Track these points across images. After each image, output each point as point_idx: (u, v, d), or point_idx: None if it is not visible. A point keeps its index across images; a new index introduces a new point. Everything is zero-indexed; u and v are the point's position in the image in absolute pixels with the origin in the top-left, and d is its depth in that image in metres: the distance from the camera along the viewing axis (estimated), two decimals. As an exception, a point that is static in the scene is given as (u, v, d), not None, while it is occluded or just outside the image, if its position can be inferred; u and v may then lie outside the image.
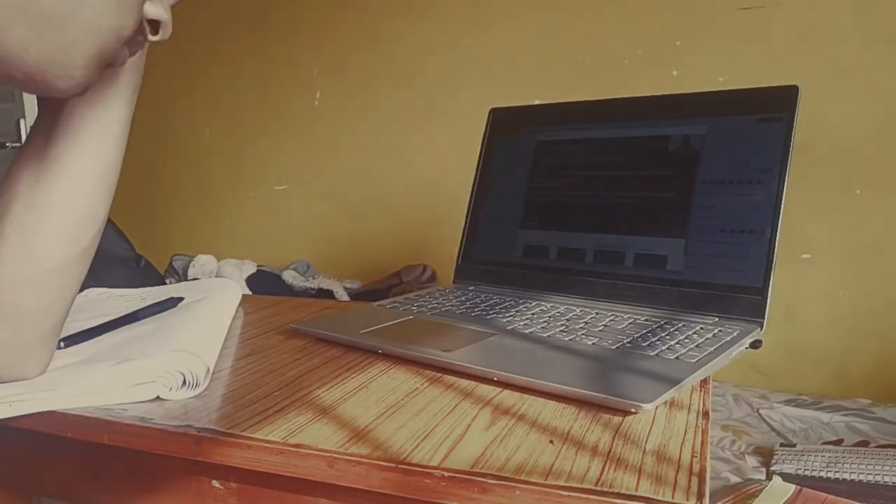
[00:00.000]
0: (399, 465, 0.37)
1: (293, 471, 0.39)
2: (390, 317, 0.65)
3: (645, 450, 0.38)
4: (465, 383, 0.50)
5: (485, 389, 0.48)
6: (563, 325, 0.60)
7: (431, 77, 1.97)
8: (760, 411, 1.40)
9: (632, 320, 0.61)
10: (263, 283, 1.77)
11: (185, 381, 0.47)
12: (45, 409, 0.44)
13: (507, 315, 0.64)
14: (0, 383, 0.48)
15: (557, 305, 0.67)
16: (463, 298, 0.71)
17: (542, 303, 0.68)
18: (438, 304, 0.69)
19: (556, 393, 0.46)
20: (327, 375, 0.52)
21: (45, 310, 0.48)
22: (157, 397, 0.46)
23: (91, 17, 0.37)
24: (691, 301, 0.62)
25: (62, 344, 0.59)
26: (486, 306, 0.67)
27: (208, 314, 0.64)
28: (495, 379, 0.49)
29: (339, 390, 0.48)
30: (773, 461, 1.15)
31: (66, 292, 0.49)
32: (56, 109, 0.47)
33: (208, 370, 0.49)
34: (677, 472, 0.35)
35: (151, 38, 0.42)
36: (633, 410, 0.42)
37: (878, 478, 1.06)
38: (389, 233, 2.08)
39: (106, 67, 0.41)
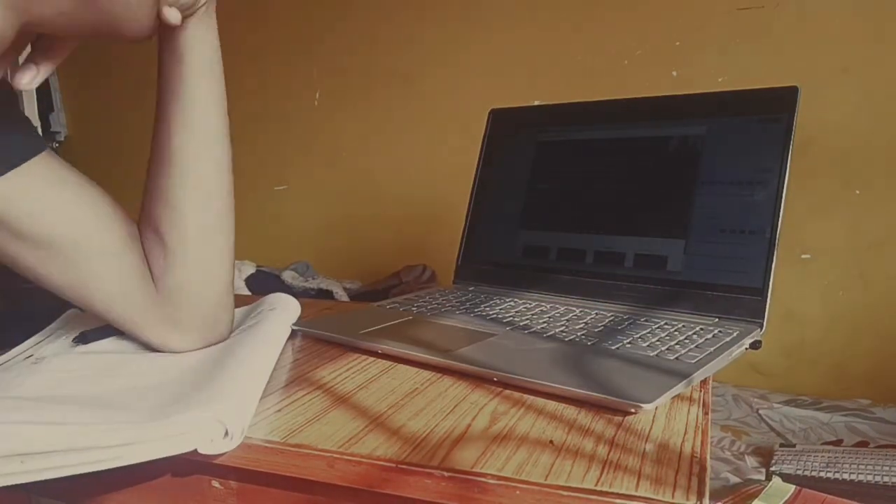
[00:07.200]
0: (399, 465, 0.37)
1: (293, 471, 0.39)
2: (390, 317, 0.65)
3: (645, 450, 0.38)
4: (465, 383, 0.50)
5: (485, 389, 0.48)
6: (562, 325, 0.60)
7: (431, 78, 1.97)
8: (760, 411, 1.41)
9: (632, 320, 0.61)
10: (263, 284, 1.77)
11: (226, 433, 0.40)
12: (76, 472, 0.38)
13: (506, 315, 0.64)
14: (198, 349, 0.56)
15: (557, 306, 0.67)
16: (463, 299, 0.71)
17: (542, 303, 0.68)
18: (438, 304, 0.69)
19: (556, 393, 0.46)
20: (327, 375, 0.52)
21: (205, 285, 0.55)
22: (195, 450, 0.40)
23: None
24: (691, 301, 0.62)
25: (76, 343, 0.58)
26: (486, 307, 0.67)
27: (259, 348, 0.55)
28: (495, 379, 0.49)
29: (339, 390, 0.48)
30: (773, 461, 1.15)
31: (221, 265, 0.56)
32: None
33: (244, 426, 0.42)
34: (677, 472, 0.35)
35: None
36: (632, 411, 0.43)
37: (878, 478, 1.06)
38: (389, 233, 2.08)
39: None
